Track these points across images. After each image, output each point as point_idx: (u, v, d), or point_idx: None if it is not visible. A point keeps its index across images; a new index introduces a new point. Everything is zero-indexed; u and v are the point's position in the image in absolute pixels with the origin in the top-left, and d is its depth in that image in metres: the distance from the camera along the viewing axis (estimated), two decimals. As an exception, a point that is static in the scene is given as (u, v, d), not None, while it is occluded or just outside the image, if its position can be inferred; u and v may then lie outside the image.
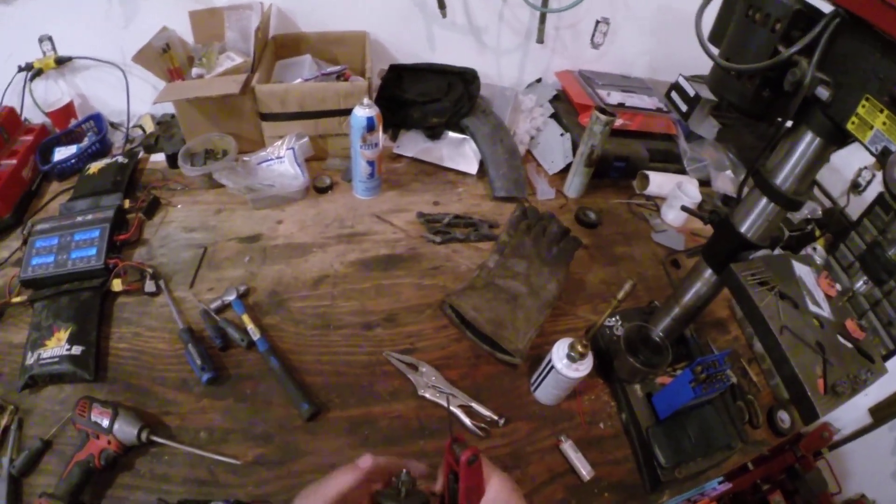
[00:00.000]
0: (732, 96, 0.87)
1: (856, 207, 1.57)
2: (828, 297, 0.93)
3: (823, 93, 0.73)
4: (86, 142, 1.68)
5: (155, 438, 1.05)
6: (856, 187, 1.63)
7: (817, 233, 1.52)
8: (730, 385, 1.00)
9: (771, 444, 1.16)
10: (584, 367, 1.01)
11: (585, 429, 1.12)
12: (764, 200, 0.89)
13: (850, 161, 1.63)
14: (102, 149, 1.68)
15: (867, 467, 1.48)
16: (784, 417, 1.16)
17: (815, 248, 1.51)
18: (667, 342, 1.09)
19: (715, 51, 0.87)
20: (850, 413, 1.42)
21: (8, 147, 1.59)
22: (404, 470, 0.68)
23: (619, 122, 1.59)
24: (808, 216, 1.61)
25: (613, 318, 1.24)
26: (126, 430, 1.03)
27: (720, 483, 1.28)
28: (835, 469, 1.51)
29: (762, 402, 1.18)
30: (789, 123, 0.84)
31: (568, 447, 1.07)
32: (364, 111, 1.35)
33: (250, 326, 1.21)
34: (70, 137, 1.70)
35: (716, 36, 0.91)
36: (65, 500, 0.96)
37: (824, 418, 1.32)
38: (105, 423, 1.03)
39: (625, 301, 1.03)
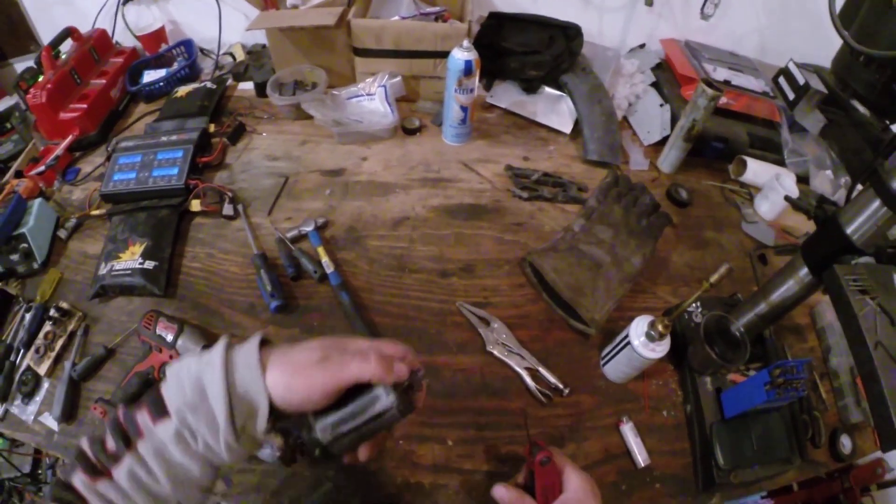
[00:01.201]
0: (859, 84, 0.76)
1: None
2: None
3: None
4: (175, 66, 1.68)
5: (217, 359, 1.02)
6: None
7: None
8: (801, 396, 0.91)
9: (829, 467, 1.05)
10: (661, 349, 0.92)
11: (648, 414, 1.03)
12: (876, 203, 0.78)
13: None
14: (191, 74, 1.67)
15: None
16: (846, 443, 1.04)
17: (902, 267, 1.36)
18: (746, 338, 0.98)
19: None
20: (907, 455, 1.28)
21: (98, 67, 1.62)
22: (421, 370, 0.63)
23: (722, 100, 1.47)
24: (902, 232, 1.46)
25: (694, 304, 1.13)
26: (189, 346, 1.02)
27: (762, 498, 1.23)
28: (880, 509, 1.37)
29: (826, 422, 1.06)
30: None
31: (628, 429, 0.99)
32: (463, 54, 1.27)
33: (325, 259, 1.16)
34: (159, 61, 1.70)
35: (845, 17, 0.79)
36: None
37: (880, 454, 1.19)
38: (169, 337, 1.02)
39: (716, 286, 0.93)
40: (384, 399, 0.58)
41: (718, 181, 1.51)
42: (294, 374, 0.56)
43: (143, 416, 0.55)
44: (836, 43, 1.59)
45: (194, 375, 0.55)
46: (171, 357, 1.01)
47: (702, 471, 0.96)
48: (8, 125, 1.57)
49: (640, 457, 0.96)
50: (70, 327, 1.12)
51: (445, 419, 0.98)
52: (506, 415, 0.99)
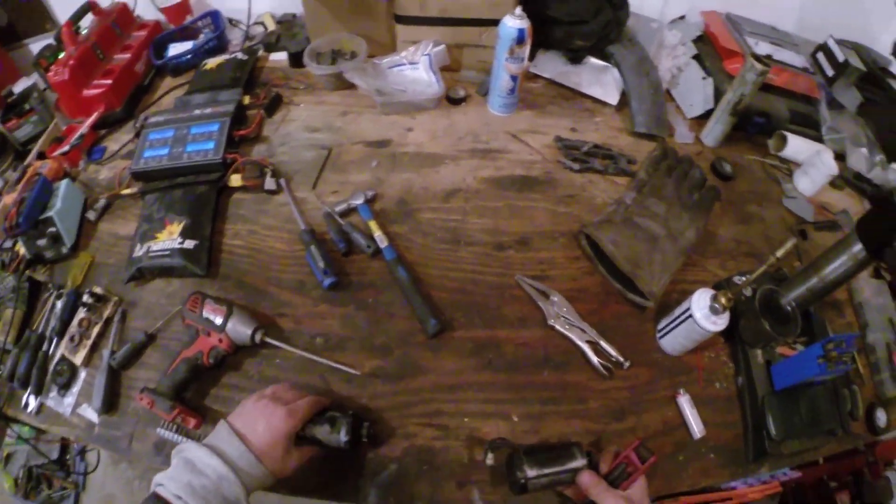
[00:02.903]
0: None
1: None
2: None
3: None
4: (201, 38, 1.55)
5: (269, 340, 0.93)
6: None
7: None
8: (849, 370, 0.91)
9: (866, 439, 1.03)
10: (722, 322, 0.89)
11: (702, 386, 0.99)
12: None
13: None
14: (219, 46, 1.54)
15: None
16: (881, 416, 1.03)
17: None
18: (797, 312, 0.96)
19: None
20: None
21: (121, 42, 1.51)
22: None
23: (767, 75, 1.36)
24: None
25: (742, 278, 1.06)
26: (240, 329, 0.92)
27: (791, 469, 1.22)
28: (903, 483, 1.33)
29: (863, 396, 1.02)
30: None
31: (685, 401, 0.95)
32: (516, 22, 1.17)
33: (378, 233, 1.05)
34: (185, 34, 1.58)
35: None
36: (168, 395, 0.86)
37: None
38: (218, 320, 0.91)
39: (782, 260, 0.87)
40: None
41: (759, 156, 1.41)
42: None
43: None
44: (875, 21, 1.50)
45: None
46: (220, 341, 0.90)
47: (753, 441, 0.94)
48: (26, 106, 1.42)
49: (696, 428, 0.93)
50: (106, 313, 1.01)
51: (509, 395, 0.93)
52: (568, 389, 0.94)
